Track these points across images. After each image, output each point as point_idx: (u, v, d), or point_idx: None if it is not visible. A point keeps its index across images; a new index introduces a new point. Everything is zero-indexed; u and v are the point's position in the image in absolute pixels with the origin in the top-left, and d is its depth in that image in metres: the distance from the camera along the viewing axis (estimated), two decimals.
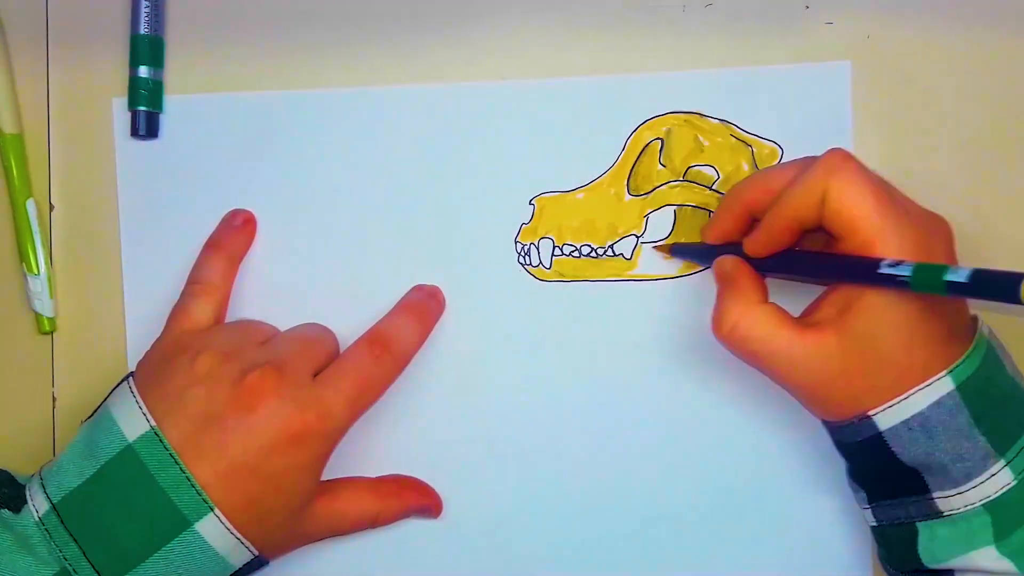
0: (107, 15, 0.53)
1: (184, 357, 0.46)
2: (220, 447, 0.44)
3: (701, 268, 0.52)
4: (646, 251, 0.52)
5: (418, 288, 0.52)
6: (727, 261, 0.48)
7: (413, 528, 0.52)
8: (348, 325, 0.52)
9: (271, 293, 0.53)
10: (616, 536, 0.52)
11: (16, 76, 0.53)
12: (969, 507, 0.43)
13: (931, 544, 0.44)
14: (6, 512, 0.45)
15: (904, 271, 0.41)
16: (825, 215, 0.43)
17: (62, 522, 0.44)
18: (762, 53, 0.52)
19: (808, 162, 0.45)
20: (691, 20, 0.52)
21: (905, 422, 0.43)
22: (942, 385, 0.43)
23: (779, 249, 0.46)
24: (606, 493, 0.52)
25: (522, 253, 0.52)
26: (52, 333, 0.53)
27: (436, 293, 0.52)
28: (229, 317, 0.52)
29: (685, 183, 0.52)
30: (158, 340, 0.49)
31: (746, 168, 0.52)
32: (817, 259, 0.46)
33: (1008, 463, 0.43)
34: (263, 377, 0.45)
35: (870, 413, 0.43)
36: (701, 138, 0.52)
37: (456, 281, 0.52)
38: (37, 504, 0.44)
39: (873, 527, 0.47)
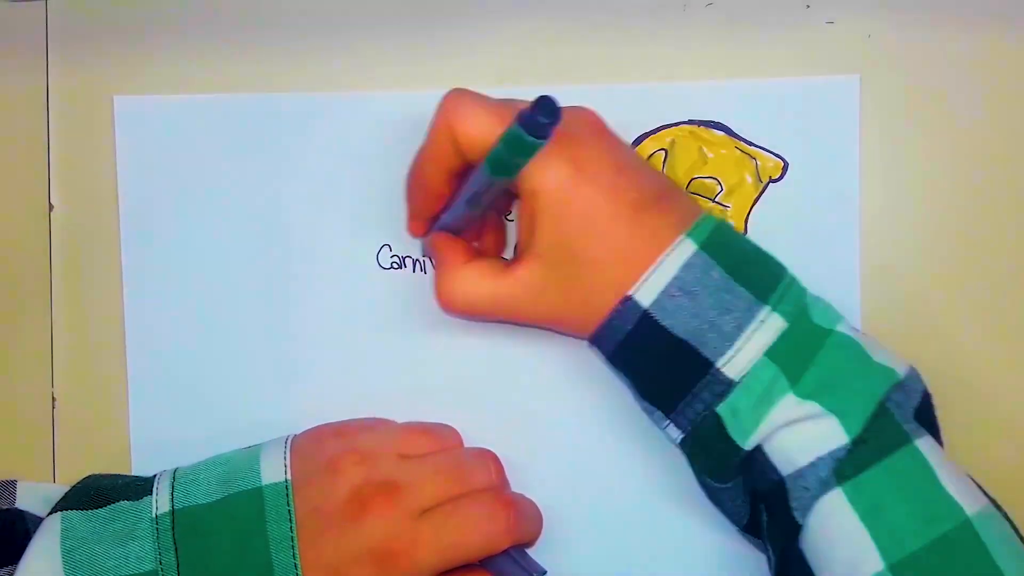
0: (107, 15, 0.53)
1: (335, 442, 0.48)
2: (318, 536, 0.45)
3: None
4: None
5: None
6: (425, 241, 0.50)
7: None
8: (348, 328, 0.52)
9: (264, 294, 0.53)
10: (607, 541, 0.52)
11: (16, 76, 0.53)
12: (754, 361, 0.44)
13: (736, 421, 0.44)
14: (125, 503, 0.47)
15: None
16: (466, 154, 0.45)
17: (173, 529, 0.45)
18: (762, 52, 0.52)
19: None
20: (691, 20, 0.52)
21: (664, 291, 0.44)
22: (685, 247, 0.44)
23: (442, 202, 0.48)
24: (603, 497, 0.52)
25: None
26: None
27: None
28: (213, 315, 0.53)
29: (688, 194, 0.52)
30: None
31: (749, 180, 0.51)
32: (466, 189, 0.47)
33: (774, 308, 0.44)
34: (376, 494, 0.46)
35: (630, 293, 0.44)
36: (705, 150, 0.51)
37: None
38: (160, 501, 0.46)
39: (682, 442, 0.46)
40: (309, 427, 0.50)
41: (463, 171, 0.47)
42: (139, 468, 0.53)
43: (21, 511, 0.49)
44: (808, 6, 0.52)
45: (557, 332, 0.49)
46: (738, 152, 0.51)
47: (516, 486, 0.51)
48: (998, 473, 0.49)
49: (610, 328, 0.45)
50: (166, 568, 0.45)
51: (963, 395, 0.51)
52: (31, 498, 0.50)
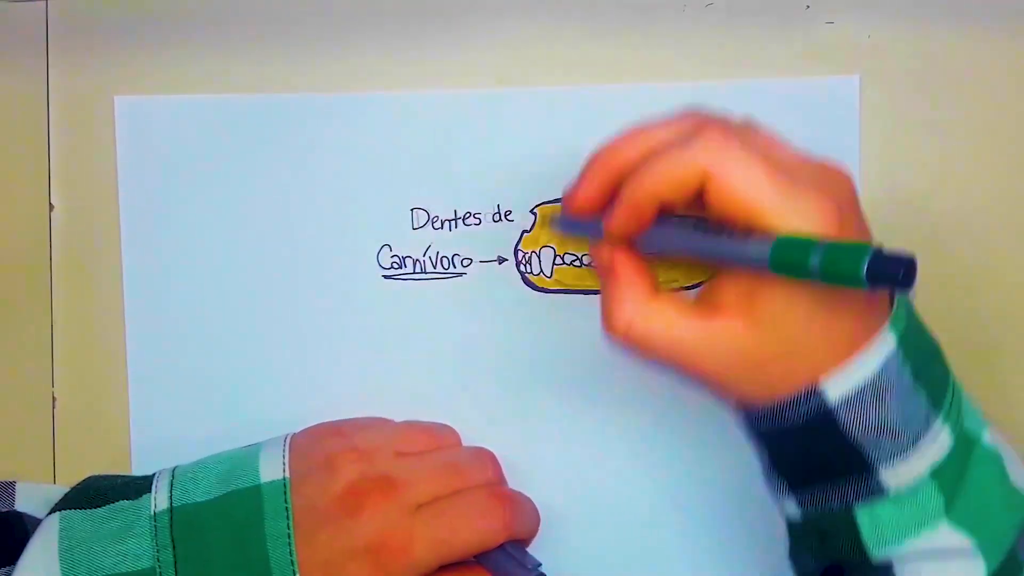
0: (107, 15, 0.53)
1: (334, 440, 0.48)
2: (314, 532, 0.45)
3: (694, 284, 0.51)
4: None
5: None
6: (604, 252, 0.43)
7: None
8: (348, 328, 0.53)
9: (263, 294, 0.53)
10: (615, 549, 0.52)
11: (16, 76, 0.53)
12: (917, 477, 0.40)
13: (875, 530, 0.40)
14: (124, 502, 0.46)
15: (763, 250, 0.38)
16: (710, 202, 0.39)
17: (171, 527, 0.45)
18: (762, 53, 0.52)
19: (689, 128, 0.41)
20: (691, 20, 0.52)
21: (859, 391, 0.39)
22: (886, 342, 0.39)
23: (645, 227, 0.42)
24: (603, 497, 0.52)
25: (523, 262, 0.52)
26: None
27: None
28: (213, 315, 0.53)
29: None
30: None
31: None
32: (703, 238, 0.41)
33: (945, 419, 0.40)
34: (372, 490, 0.45)
35: (820, 383, 0.39)
36: None
37: (456, 290, 0.52)
38: (159, 499, 0.46)
39: (796, 522, 0.43)
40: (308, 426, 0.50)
41: (678, 203, 0.41)
42: (139, 468, 0.53)
43: (20, 513, 0.49)
44: (808, 6, 0.52)
45: (709, 393, 0.43)
46: None
47: (515, 486, 0.51)
48: None
49: (780, 414, 0.40)
50: (163, 566, 0.45)
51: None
52: (30, 500, 0.50)
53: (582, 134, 0.51)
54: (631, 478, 0.52)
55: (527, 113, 0.52)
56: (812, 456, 0.41)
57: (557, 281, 0.52)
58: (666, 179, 0.40)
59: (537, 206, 0.52)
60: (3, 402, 0.53)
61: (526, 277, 0.52)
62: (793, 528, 0.44)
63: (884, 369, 0.39)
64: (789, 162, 0.41)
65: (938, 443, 0.40)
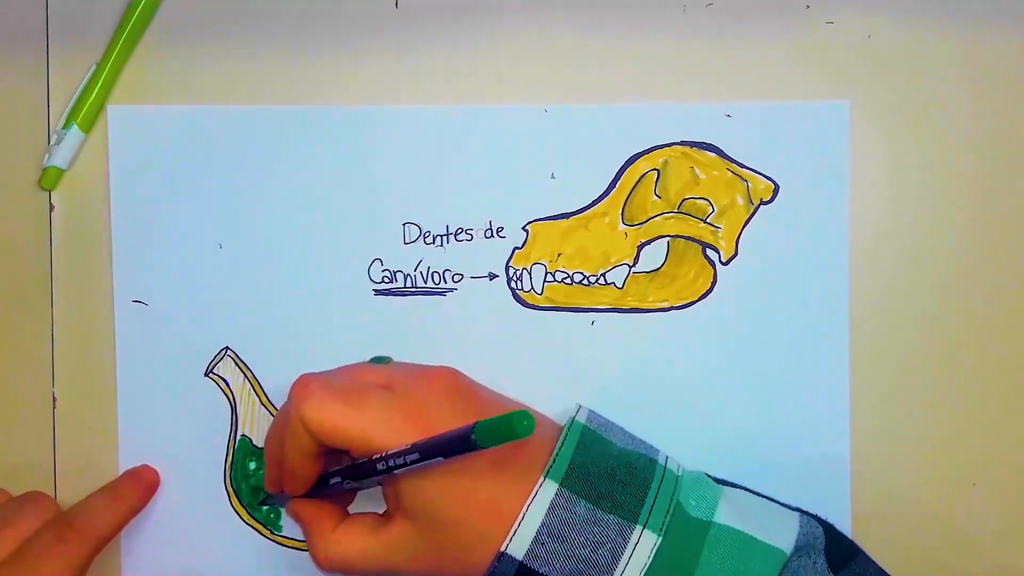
0: (107, 15, 0.53)
1: None
2: None
3: (681, 305, 0.52)
4: (638, 281, 0.52)
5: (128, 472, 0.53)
6: (290, 507, 0.49)
7: None
8: (339, 342, 0.53)
9: (253, 304, 0.53)
10: None
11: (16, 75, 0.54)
12: None
13: None
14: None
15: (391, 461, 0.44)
16: (321, 440, 0.45)
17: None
18: (762, 52, 0.52)
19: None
20: (692, 20, 0.52)
21: (535, 539, 0.43)
22: (546, 490, 0.44)
23: (313, 479, 0.48)
24: None
25: (514, 278, 0.52)
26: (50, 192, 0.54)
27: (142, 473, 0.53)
28: (203, 320, 0.53)
29: (679, 215, 0.52)
30: None
31: (741, 202, 0.51)
32: (346, 472, 0.46)
33: (645, 525, 0.44)
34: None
35: (502, 549, 0.43)
36: (697, 171, 0.51)
37: (447, 305, 0.53)
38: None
39: None
40: None
41: (323, 452, 0.47)
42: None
43: None
44: (808, 6, 0.52)
45: None
46: (730, 174, 0.51)
47: None
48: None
49: None
50: None
51: (954, 426, 0.52)
52: None
53: (577, 151, 0.52)
54: None
55: (521, 129, 0.52)
56: None
57: (548, 298, 0.52)
58: (290, 440, 0.46)
59: (529, 223, 0.52)
60: (3, 402, 0.54)
61: (517, 294, 0.52)
62: None
63: (551, 514, 0.43)
64: (376, 378, 0.47)
65: (641, 549, 0.43)
